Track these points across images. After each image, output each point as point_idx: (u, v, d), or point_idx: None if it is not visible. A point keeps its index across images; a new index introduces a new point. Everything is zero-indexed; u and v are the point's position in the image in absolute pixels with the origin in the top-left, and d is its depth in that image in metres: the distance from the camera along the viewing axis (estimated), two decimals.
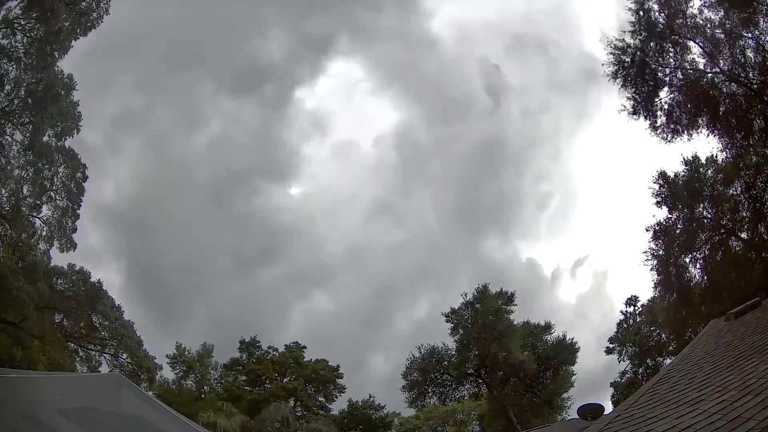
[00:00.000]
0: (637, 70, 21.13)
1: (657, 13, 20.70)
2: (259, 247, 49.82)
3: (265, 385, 37.84)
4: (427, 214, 51.70)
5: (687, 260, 24.07)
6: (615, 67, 21.20)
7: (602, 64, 21.41)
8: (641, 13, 20.61)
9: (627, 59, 21.10)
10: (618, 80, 21.34)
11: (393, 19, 48.00)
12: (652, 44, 20.92)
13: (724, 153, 21.91)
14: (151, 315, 39.52)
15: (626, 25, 20.97)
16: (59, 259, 26.57)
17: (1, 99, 20.84)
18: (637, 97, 21.40)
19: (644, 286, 27.25)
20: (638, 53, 20.96)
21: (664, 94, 21.48)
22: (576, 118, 53.42)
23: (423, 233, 50.73)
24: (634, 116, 21.52)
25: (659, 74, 21.25)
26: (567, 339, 34.20)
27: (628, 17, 20.82)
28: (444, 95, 52.25)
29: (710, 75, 20.68)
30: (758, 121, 20.56)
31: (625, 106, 21.40)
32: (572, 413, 28.20)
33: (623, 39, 21.00)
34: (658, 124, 21.56)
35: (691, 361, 8.78)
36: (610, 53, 21.16)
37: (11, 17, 19.67)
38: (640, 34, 20.83)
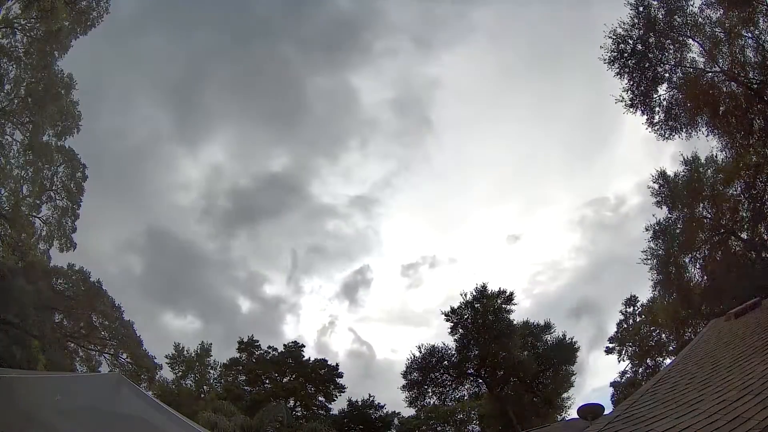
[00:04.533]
0: (636, 62, 20.99)
1: (656, 10, 20.62)
2: None
3: (265, 385, 37.87)
4: None
5: (687, 260, 24.10)
6: (613, 54, 20.93)
7: (600, 47, 21.04)
8: (641, 8, 20.53)
9: (627, 48, 20.87)
10: (615, 67, 21.06)
11: None
12: (651, 40, 20.79)
13: (724, 153, 21.93)
14: None
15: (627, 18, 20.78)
16: (59, 259, 26.64)
17: (1, 99, 20.85)
18: (634, 89, 21.22)
19: (644, 286, 27.17)
20: (638, 45, 20.79)
21: (662, 90, 21.37)
22: None
23: None
24: (632, 109, 21.35)
25: (659, 69, 21.12)
26: (567, 339, 34.22)
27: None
28: None
29: (710, 74, 20.66)
30: (758, 121, 20.53)
31: (623, 97, 21.22)
32: (572, 413, 28.23)
33: (626, 28, 20.71)
34: (656, 120, 21.45)
35: (691, 361, 8.78)
36: (609, 37, 20.86)
37: (11, 17, 19.68)
38: (640, 29, 20.70)
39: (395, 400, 36.24)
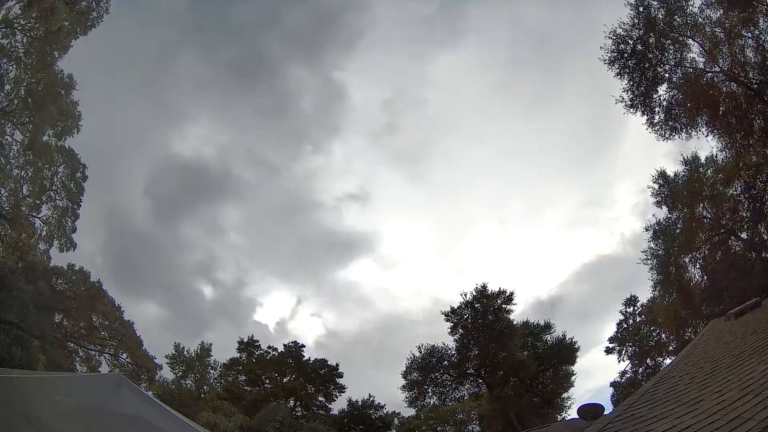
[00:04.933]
0: (636, 63, 20.90)
1: (656, 10, 20.57)
2: None
3: (265, 385, 37.86)
4: None
5: (687, 260, 24.10)
6: (613, 54, 20.81)
7: (600, 47, 20.88)
8: (641, 9, 20.49)
9: (627, 48, 20.76)
10: (615, 67, 20.94)
11: None
12: (651, 40, 20.73)
13: (724, 153, 21.90)
14: None
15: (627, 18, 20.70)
16: (59, 259, 26.65)
17: (1, 99, 20.85)
18: (634, 89, 21.12)
19: (644, 286, 27.18)
20: (638, 45, 20.70)
21: (662, 90, 21.29)
22: None
23: None
24: (632, 110, 21.26)
25: (659, 69, 21.06)
26: (567, 339, 34.20)
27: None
28: None
29: (710, 74, 20.63)
30: (758, 121, 20.51)
31: (623, 98, 21.13)
32: (572, 413, 28.23)
33: (626, 28, 20.60)
34: (656, 120, 21.38)
35: (691, 361, 8.78)
36: (609, 37, 20.74)
37: (11, 17, 19.68)
38: (640, 30, 20.65)
39: (395, 400, 36.27)
